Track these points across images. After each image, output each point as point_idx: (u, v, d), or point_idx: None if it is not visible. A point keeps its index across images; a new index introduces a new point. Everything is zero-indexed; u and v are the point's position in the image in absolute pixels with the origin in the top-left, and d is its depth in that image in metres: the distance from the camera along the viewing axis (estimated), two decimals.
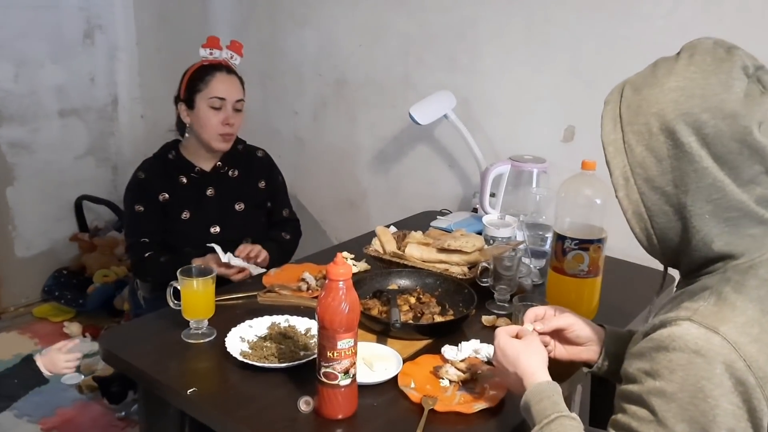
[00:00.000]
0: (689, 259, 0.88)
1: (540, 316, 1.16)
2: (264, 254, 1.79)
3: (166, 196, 1.87)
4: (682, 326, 0.79)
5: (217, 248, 1.67)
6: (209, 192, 1.91)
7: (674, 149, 0.83)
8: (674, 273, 1.00)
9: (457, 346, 1.27)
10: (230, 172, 1.95)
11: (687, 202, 0.83)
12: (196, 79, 1.86)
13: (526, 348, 1.05)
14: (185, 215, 1.88)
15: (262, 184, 1.99)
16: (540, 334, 1.12)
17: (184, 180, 1.91)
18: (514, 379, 1.03)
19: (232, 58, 1.93)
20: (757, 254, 0.83)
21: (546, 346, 1.12)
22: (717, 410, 0.76)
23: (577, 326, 1.13)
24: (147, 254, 1.84)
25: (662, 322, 0.82)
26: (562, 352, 1.16)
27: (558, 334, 1.15)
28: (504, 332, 1.09)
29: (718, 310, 0.80)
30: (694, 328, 0.78)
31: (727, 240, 0.83)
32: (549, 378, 1.01)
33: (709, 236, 0.83)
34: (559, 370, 1.16)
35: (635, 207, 0.88)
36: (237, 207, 1.94)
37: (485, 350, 1.26)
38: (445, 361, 1.24)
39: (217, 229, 1.90)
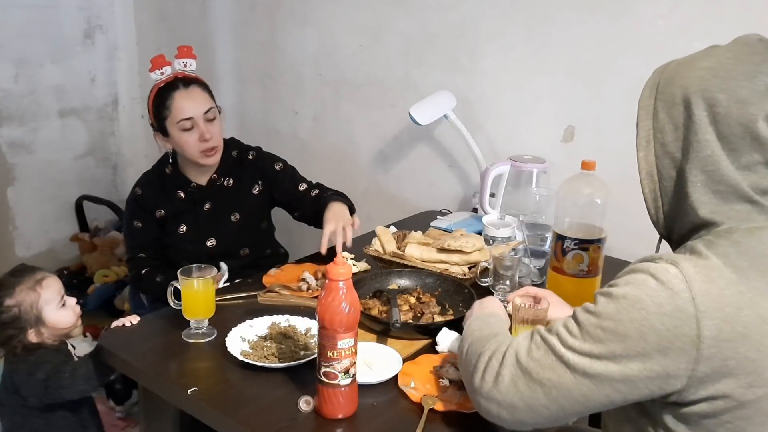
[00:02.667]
0: (679, 225, 0.95)
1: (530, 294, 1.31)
2: (349, 233, 1.70)
3: (162, 212, 1.85)
4: (655, 261, 0.87)
5: (224, 268, 1.67)
6: (206, 207, 1.88)
7: (687, 119, 0.90)
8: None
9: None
10: (225, 182, 1.90)
11: (686, 169, 0.90)
12: (158, 105, 1.79)
13: (497, 302, 1.25)
14: (182, 229, 1.87)
15: (255, 190, 1.93)
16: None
17: (182, 195, 1.87)
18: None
19: (186, 66, 1.83)
20: (736, 224, 0.89)
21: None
22: (645, 322, 0.83)
23: (545, 299, 1.27)
24: (144, 270, 1.83)
25: (643, 258, 0.90)
26: None
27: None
28: None
29: (687, 256, 0.88)
30: (662, 262, 0.86)
31: (712, 209, 0.89)
32: (502, 316, 1.19)
33: (696, 203, 0.90)
34: None
35: (649, 168, 0.95)
36: (233, 218, 1.90)
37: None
38: (446, 362, 1.25)
39: (214, 242, 1.89)
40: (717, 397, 0.84)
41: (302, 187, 1.95)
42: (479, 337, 1.04)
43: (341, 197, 1.89)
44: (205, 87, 1.83)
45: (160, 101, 1.78)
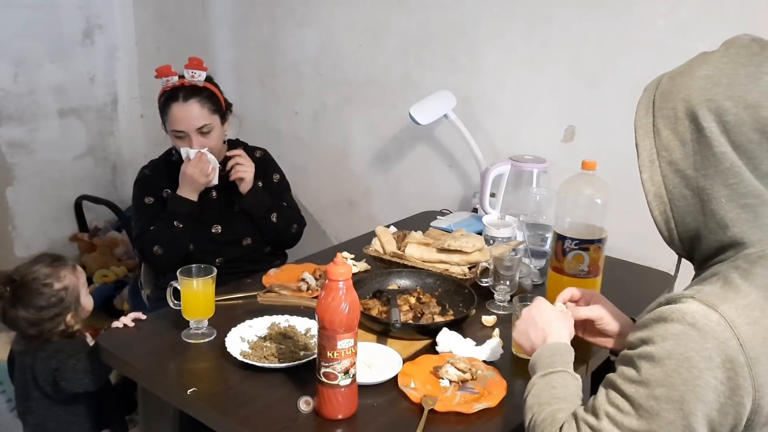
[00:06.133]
0: (704, 245, 0.89)
1: (576, 298, 1.23)
2: (246, 172, 1.85)
3: (170, 192, 1.87)
4: (685, 303, 0.81)
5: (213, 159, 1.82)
6: (213, 195, 1.91)
7: (696, 133, 0.85)
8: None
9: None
10: (230, 174, 1.93)
11: (706, 186, 0.85)
12: (161, 108, 1.84)
13: (564, 317, 1.14)
14: None
15: (259, 185, 1.97)
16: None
17: None
18: (536, 334, 1.10)
19: (194, 76, 1.83)
20: None
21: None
22: (698, 381, 0.78)
23: (606, 319, 1.19)
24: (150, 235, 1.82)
25: (668, 299, 0.85)
26: (590, 338, 1.23)
27: (587, 324, 1.21)
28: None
29: (722, 292, 0.82)
30: (695, 304, 0.80)
31: (742, 228, 0.84)
32: (569, 344, 1.08)
33: (724, 220, 0.85)
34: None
35: (657, 189, 0.90)
36: (236, 208, 1.93)
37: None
38: (446, 362, 1.24)
39: (219, 229, 1.91)
40: None
41: (281, 202, 1.99)
42: (541, 419, 0.93)
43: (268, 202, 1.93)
44: (207, 98, 1.83)
45: (162, 105, 1.84)
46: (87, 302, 1.65)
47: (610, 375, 0.88)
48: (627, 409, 0.82)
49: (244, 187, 1.86)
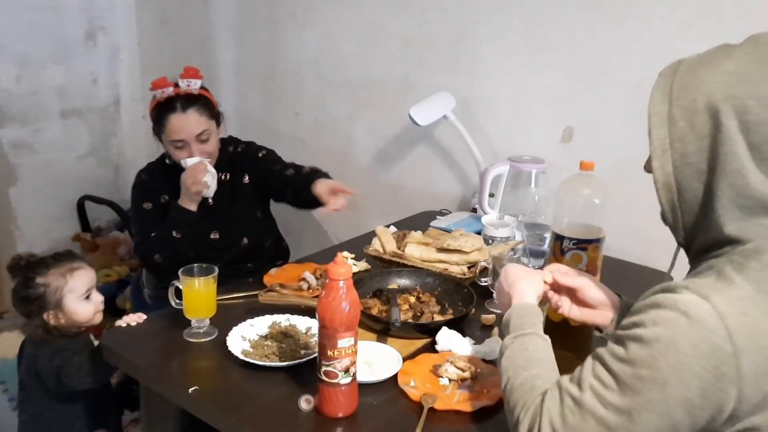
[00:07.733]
0: (702, 239, 0.90)
1: (561, 272, 1.20)
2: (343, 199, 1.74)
3: (167, 197, 1.87)
4: (679, 292, 0.82)
5: (212, 171, 1.80)
6: (209, 202, 1.89)
7: (714, 129, 0.84)
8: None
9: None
10: (223, 177, 1.93)
11: (712, 182, 0.85)
12: (156, 119, 1.82)
13: (526, 275, 1.16)
14: None
15: (246, 180, 1.95)
16: (551, 286, 1.18)
17: None
18: (507, 299, 1.14)
19: (189, 85, 1.81)
20: (764, 242, 0.84)
21: (558, 308, 1.19)
22: (683, 366, 0.79)
23: (590, 289, 1.17)
24: (152, 243, 1.82)
25: (663, 288, 0.85)
26: (576, 312, 1.20)
27: (572, 295, 1.20)
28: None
29: (716, 283, 0.82)
30: (689, 294, 0.81)
31: (739, 225, 0.84)
32: (535, 304, 1.11)
33: (722, 219, 0.85)
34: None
35: (666, 179, 0.89)
36: (231, 210, 1.93)
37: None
38: (446, 361, 1.25)
39: (217, 235, 1.91)
40: (750, 429, 0.81)
41: (277, 166, 1.95)
42: (519, 383, 0.96)
43: (323, 175, 1.87)
44: (204, 105, 1.81)
45: (157, 116, 1.82)
46: (75, 307, 1.57)
47: (599, 349, 0.89)
48: (611, 384, 0.83)
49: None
